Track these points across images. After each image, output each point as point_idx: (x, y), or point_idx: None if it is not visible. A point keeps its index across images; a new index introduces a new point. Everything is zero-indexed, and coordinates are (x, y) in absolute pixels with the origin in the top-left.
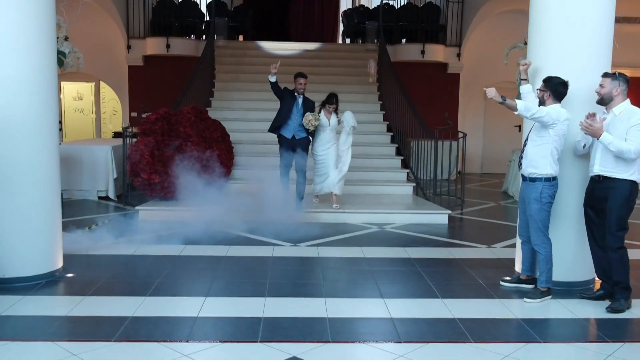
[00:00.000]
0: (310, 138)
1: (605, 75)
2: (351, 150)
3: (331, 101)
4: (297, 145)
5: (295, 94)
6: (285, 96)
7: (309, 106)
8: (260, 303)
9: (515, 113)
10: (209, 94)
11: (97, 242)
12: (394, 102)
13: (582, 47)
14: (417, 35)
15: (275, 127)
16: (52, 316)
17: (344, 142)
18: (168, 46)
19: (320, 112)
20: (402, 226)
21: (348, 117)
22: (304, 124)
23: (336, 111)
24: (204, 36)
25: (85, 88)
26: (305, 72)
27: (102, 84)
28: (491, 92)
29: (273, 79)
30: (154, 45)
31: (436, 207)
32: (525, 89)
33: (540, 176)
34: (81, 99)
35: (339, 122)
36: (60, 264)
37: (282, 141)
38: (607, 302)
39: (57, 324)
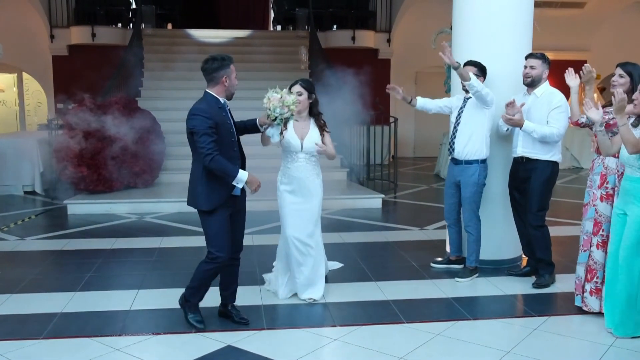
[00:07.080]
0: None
1: (535, 56)
2: None
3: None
4: (242, 199)
5: (222, 100)
6: (216, 117)
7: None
8: None
9: (466, 83)
10: (138, 83)
11: (24, 238)
12: None
13: (504, 29)
14: (347, 21)
15: (227, 192)
16: None
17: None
18: (93, 35)
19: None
20: (336, 212)
21: None
22: (270, 109)
23: (316, 117)
24: (130, 24)
25: (7, 79)
26: (235, 60)
27: (25, 75)
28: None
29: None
30: (79, 34)
31: (370, 192)
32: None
33: (476, 159)
34: (3, 91)
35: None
36: None
37: (223, 203)
38: (533, 278)
39: None
